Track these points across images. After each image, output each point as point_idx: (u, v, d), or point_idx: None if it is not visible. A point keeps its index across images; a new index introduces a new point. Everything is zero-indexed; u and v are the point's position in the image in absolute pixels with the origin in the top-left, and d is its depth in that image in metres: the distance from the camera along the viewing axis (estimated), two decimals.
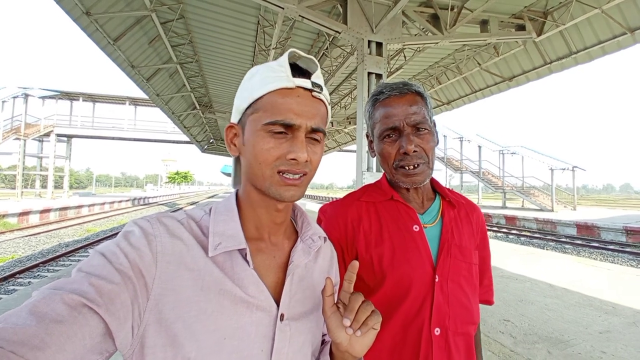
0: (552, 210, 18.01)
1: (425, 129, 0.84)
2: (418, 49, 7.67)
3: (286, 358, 0.55)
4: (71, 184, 37.06)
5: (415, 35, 6.21)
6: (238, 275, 0.54)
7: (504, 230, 14.59)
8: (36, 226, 14.04)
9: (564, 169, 19.11)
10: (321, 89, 0.58)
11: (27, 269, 7.19)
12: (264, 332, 0.54)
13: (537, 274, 5.31)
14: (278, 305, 0.56)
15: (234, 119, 0.61)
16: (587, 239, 12.05)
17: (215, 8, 6.14)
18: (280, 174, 0.55)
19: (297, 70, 0.56)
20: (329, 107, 0.62)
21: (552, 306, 3.86)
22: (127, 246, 0.49)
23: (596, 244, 10.87)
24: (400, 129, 0.84)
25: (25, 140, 22.02)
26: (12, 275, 6.73)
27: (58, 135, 24.58)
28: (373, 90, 0.91)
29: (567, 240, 11.66)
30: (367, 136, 0.97)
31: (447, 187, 1.04)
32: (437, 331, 0.79)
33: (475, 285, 0.89)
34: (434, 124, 0.91)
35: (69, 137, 26.36)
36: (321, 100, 0.59)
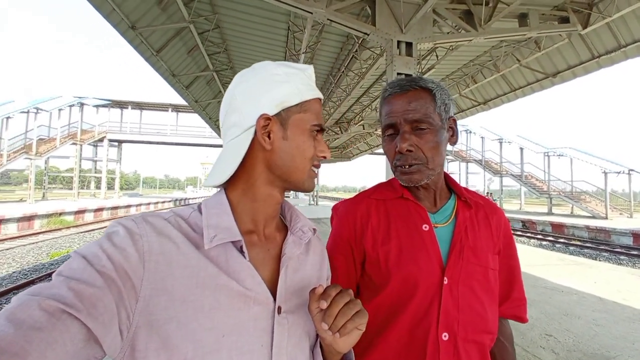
0: (606, 218, 16.42)
1: (426, 127, 0.80)
2: (451, 48, 7.40)
3: (286, 352, 0.55)
4: (121, 185, 40.14)
5: (448, 33, 6.01)
6: (233, 268, 0.54)
7: (550, 238, 13.53)
8: (90, 223, 15.39)
9: (619, 173, 17.38)
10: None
11: None
12: (263, 326, 0.54)
13: (586, 286, 4.88)
14: (274, 299, 0.56)
15: (270, 110, 0.59)
16: None
17: (248, 17, 6.39)
18: (312, 168, 0.64)
19: None
20: None
21: (600, 321, 3.53)
22: (111, 247, 0.47)
23: None
24: (397, 127, 0.82)
25: (81, 145, 24.28)
26: None
27: (110, 140, 26.88)
28: (383, 88, 0.90)
29: (623, 250, 10.60)
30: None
31: (470, 187, 0.98)
32: (444, 336, 0.75)
33: (493, 292, 0.83)
34: (453, 121, 0.86)
35: (120, 142, 28.69)
36: None
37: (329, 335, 0.54)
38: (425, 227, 0.82)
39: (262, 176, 0.61)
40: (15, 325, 0.37)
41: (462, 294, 0.77)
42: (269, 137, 0.60)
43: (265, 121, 0.59)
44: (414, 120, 0.80)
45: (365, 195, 0.93)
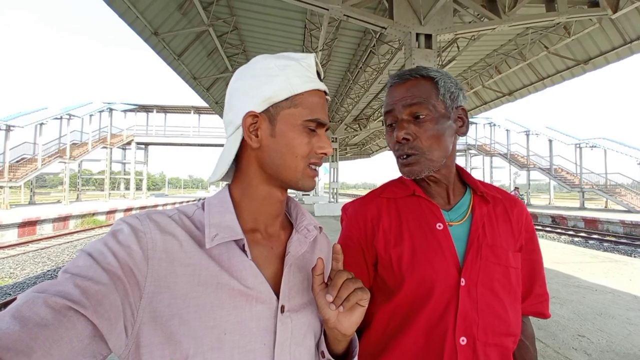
0: None
1: (425, 114, 0.76)
2: (473, 38, 7.16)
3: (289, 351, 0.55)
4: (148, 186, 41.82)
5: (469, 22, 5.81)
6: (236, 267, 0.54)
7: (583, 234, 12.88)
8: None
9: None
10: (327, 93, 0.64)
11: None
12: (265, 325, 0.53)
13: (621, 284, 4.60)
14: (278, 298, 0.56)
15: (257, 107, 0.58)
16: None
17: (265, 17, 6.46)
18: (311, 166, 0.60)
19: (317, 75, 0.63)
20: None
21: (635, 320, 3.34)
22: (116, 245, 0.48)
23: None
24: (395, 115, 0.79)
25: (111, 148, 25.46)
26: None
27: (137, 143, 28.04)
28: None
29: None
30: None
31: (487, 181, 0.93)
32: (462, 340, 0.71)
33: (515, 292, 0.78)
34: (464, 111, 0.82)
35: (146, 144, 29.85)
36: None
37: (332, 313, 0.54)
38: (440, 226, 0.78)
39: (257, 175, 0.60)
40: (21, 322, 0.37)
41: (481, 296, 0.73)
42: (257, 135, 0.58)
43: (252, 119, 0.58)
44: (411, 104, 0.76)
45: (375, 194, 0.89)
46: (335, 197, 22.34)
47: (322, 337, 0.63)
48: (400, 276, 0.76)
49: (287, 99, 0.58)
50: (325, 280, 0.57)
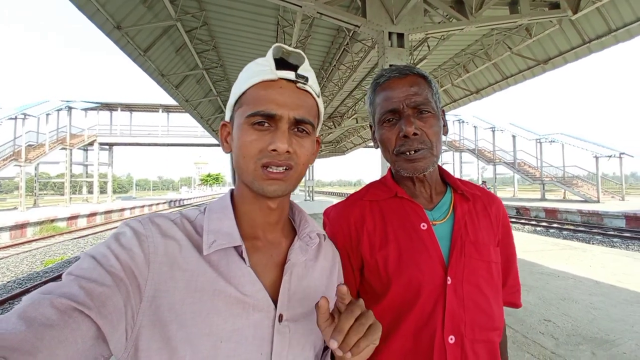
0: (598, 202, 16.70)
1: (428, 111, 0.77)
2: (442, 37, 7.37)
3: None
4: (114, 188, 39.77)
5: (439, 23, 5.97)
6: (234, 273, 0.53)
7: (544, 224, 13.73)
8: (84, 229, 15.18)
9: (610, 157, 17.70)
10: (306, 80, 0.57)
11: None
12: (263, 334, 0.52)
13: (582, 270, 4.95)
14: (276, 306, 0.54)
15: (227, 116, 0.61)
16: (637, 231, 11.08)
17: (236, 12, 6.28)
18: (264, 168, 0.54)
19: (285, 64, 0.56)
20: (318, 100, 0.61)
21: (597, 304, 3.58)
22: (118, 247, 0.48)
23: None
24: (400, 111, 0.77)
25: (71, 149, 23.88)
26: (61, 276, 7.29)
27: (101, 144, 26.47)
28: (374, 76, 0.86)
29: (615, 233, 10.79)
30: (370, 126, 0.89)
31: (462, 178, 0.95)
32: (451, 339, 0.71)
33: (498, 286, 0.80)
34: (443, 112, 0.84)
35: (111, 145, 28.26)
36: (308, 92, 0.58)
37: (340, 352, 0.50)
38: (424, 226, 0.78)
39: (239, 180, 0.60)
40: (27, 322, 0.37)
41: (467, 293, 0.74)
42: (227, 142, 0.61)
43: (222, 128, 0.61)
44: (418, 104, 0.76)
45: (357, 197, 0.88)
46: (311, 195, 22.28)
47: (327, 353, 0.61)
48: (387, 279, 0.76)
49: (237, 102, 0.58)
50: (331, 309, 0.52)
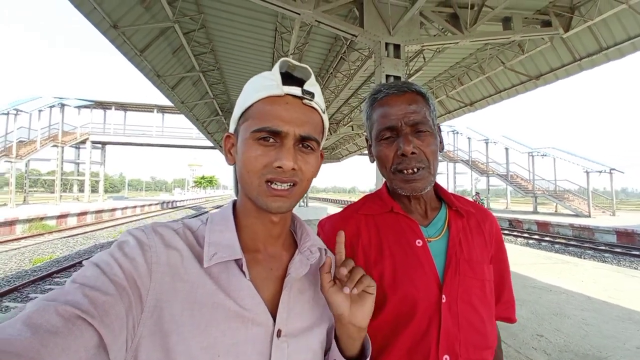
0: (589, 216, 16.90)
1: (426, 130, 0.77)
2: (437, 50, 7.48)
3: None
4: (106, 188, 39.27)
5: (435, 35, 6.06)
6: (234, 287, 0.53)
7: (536, 237, 13.83)
8: (74, 228, 14.91)
9: (601, 172, 17.93)
10: (313, 97, 0.57)
11: (64, 269, 7.63)
12: (261, 349, 0.51)
13: (574, 285, 4.96)
14: (275, 320, 0.54)
15: (231, 128, 0.62)
16: (628, 246, 11.17)
17: (235, 17, 6.30)
18: (269, 183, 0.54)
19: (291, 79, 0.56)
20: (323, 116, 0.61)
21: (590, 320, 3.57)
22: (122, 257, 0.48)
23: (638, 253, 10.06)
24: (398, 129, 0.77)
25: (62, 147, 23.56)
26: (50, 275, 7.15)
27: (93, 142, 26.15)
28: (371, 90, 0.85)
29: (606, 248, 10.90)
30: (367, 140, 0.89)
31: (455, 193, 0.94)
32: (445, 358, 0.71)
33: (491, 305, 0.80)
34: (439, 129, 0.84)
35: (103, 144, 27.93)
36: (314, 108, 0.58)
37: (346, 306, 0.56)
38: (419, 243, 0.78)
39: (242, 193, 0.60)
40: (32, 329, 0.37)
41: (461, 311, 0.74)
42: (231, 154, 0.62)
43: (227, 140, 0.62)
44: (416, 122, 0.76)
45: (353, 210, 0.87)
46: (305, 201, 22.22)
47: (334, 344, 0.62)
48: (383, 295, 0.75)
49: (242, 115, 0.58)
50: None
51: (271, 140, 0.54)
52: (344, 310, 0.56)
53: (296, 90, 0.55)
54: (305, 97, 0.55)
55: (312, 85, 0.57)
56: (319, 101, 0.58)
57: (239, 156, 0.57)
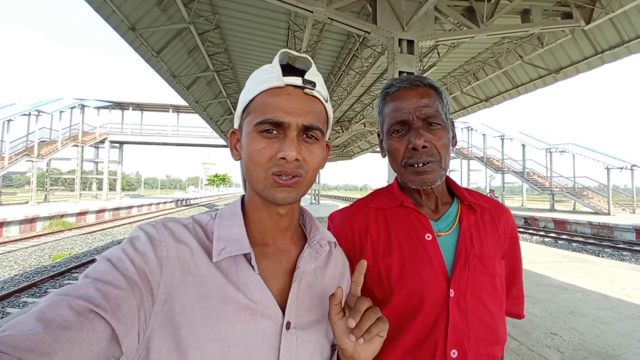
0: (609, 214, 16.37)
1: (438, 123, 0.76)
2: (452, 45, 7.36)
3: None
4: (123, 186, 40.34)
5: (449, 30, 5.96)
6: (243, 280, 0.53)
7: (553, 234, 13.50)
8: (92, 225, 15.41)
9: (622, 168, 17.35)
10: (314, 86, 0.56)
11: (83, 264, 7.90)
12: (270, 341, 0.52)
13: (590, 283, 4.85)
14: (284, 313, 0.54)
15: (236, 124, 0.62)
16: None
17: (248, 16, 6.36)
18: (275, 176, 0.54)
19: (292, 70, 0.56)
20: (326, 105, 0.60)
21: (605, 319, 3.51)
22: (133, 251, 0.49)
23: None
24: (409, 123, 0.76)
25: (82, 147, 24.30)
26: (69, 270, 7.43)
27: (111, 142, 26.92)
28: (384, 85, 0.85)
29: (625, 246, 10.56)
30: (378, 135, 0.89)
31: (469, 187, 0.93)
32: (453, 353, 0.70)
33: (501, 300, 0.79)
34: (452, 123, 0.83)
35: (121, 143, 28.72)
36: (316, 97, 0.57)
37: (350, 343, 0.53)
38: (428, 237, 0.77)
39: (250, 187, 0.60)
40: (44, 324, 0.38)
41: (470, 306, 0.73)
42: (237, 149, 0.61)
43: (232, 135, 0.62)
44: (428, 116, 0.76)
45: (363, 204, 0.87)
46: (317, 198, 22.26)
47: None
48: (390, 288, 0.75)
49: (245, 110, 0.58)
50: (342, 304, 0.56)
51: (274, 132, 0.54)
52: (348, 346, 0.53)
53: (297, 81, 0.55)
54: (306, 86, 0.55)
55: (313, 74, 0.56)
56: (320, 89, 0.57)
57: (243, 150, 0.57)
